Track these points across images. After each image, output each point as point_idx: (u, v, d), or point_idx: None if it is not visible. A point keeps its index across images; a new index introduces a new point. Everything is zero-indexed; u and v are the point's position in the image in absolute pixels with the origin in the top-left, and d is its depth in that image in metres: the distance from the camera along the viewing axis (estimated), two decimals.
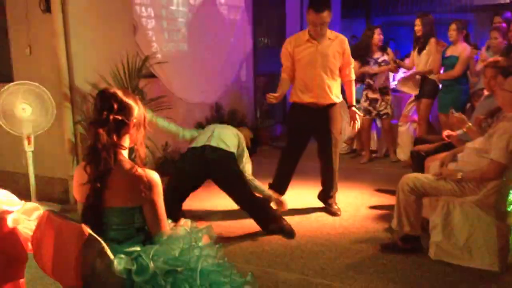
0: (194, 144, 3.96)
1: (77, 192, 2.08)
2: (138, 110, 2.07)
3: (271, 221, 3.91)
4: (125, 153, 2.07)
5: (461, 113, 3.91)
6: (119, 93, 2.02)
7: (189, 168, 3.86)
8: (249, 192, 3.87)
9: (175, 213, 3.83)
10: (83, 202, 2.04)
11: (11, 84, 4.25)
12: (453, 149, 3.79)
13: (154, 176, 2.02)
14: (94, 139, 1.97)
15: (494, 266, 3.17)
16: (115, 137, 1.99)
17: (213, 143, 3.83)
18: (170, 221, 2.19)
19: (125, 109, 2.02)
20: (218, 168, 3.80)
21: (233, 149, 3.91)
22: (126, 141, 2.08)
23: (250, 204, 3.89)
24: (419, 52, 5.79)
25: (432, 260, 3.35)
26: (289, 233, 3.88)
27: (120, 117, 2.00)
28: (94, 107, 2.03)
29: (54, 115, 4.33)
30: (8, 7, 4.84)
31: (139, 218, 2.04)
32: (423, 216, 3.59)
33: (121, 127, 2.02)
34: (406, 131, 6.29)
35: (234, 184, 3.83)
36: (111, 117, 1.97)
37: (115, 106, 1.99)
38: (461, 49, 5.39)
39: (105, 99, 2.00)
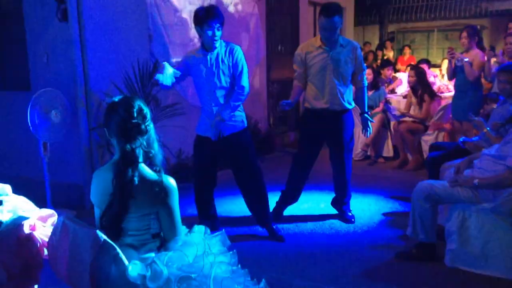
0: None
1: (96, 198, 2.10)
2: (151, 115, 2.11)
3: (269, 217, 4.03)
4: (142, 159, 2.09)
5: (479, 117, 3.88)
6: (142, 103, 2.07)
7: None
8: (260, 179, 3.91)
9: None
10: (101, 208, 2.06)
11: (43, 89, 4.33)
12: (468, 155, 3.75)
13: (171, 182, 2.04)
14: (132, 147, 1.99)
15: (510, 274, 3.13)
16: (145, 143, 2.04)
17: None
18: (185, 227, 2.20)
19: (147, 117, 2.06)
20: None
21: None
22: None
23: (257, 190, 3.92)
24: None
25: (448, 268, 3.32)
26: (280, 237, 3.96)
27: (148, 125, 2.05)
28: (120, 117, 2.01)
29: (68, 122, 4.40)
30: (26, 16, 4.92)
31: (155, 224, 2.05)
32: (439, 223, 3.56)
33: (147, 134, 2.05)
34: (433, 139, 6.22)
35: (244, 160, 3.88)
36: (145, 126, 2.02)
37: (145, 115, 2.04)
38: (474, 55, 5.34)
39: (137, 110, 2.02)
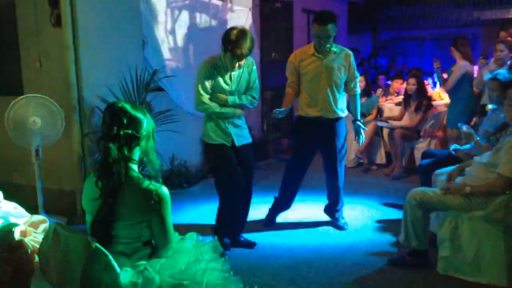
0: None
1: (87, 204, 2.09)
2: (147, 122, 2.09)
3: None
4: (135, 166, 2.08)
5: (469, 127, 3.90)
6: (128, 107, 2.03)
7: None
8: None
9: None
10: (92, 214, 2.05)
11: (22, 96, 4.29)
12: (460, 163, 3.77)
13: (164, 191, 2.03)
14: (105, 154, 1.98)
15: (502, 281, 3.14)
16: (126, 151, 2.01)
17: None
18: (177, 234, 2.19)
19: (135, 123, 2.03)
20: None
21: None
22: (136, 154, 2.09)
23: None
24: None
25: (440, 275, 3.32)
26: (250, 244, 3.98)
27: (130, 131, 2.01)
28: (103, 121, 2.04)
29: (62, 128, 4.34)
30: (19, 21, 4.90)
31: (147, 231, 2.05)
32: (431, 230, 3.57)
33: (131, 141, 2.03)
34: (425, 146, 6.25)
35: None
36: (121, 131, 1.99)
37: (125, 120, 2.00)
38: (456, 66, 5.50)
39: (114, 114, 2.01)
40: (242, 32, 3.44)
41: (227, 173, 3.72)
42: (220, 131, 3.72)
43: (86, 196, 2.09)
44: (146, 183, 2.00)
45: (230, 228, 3.92)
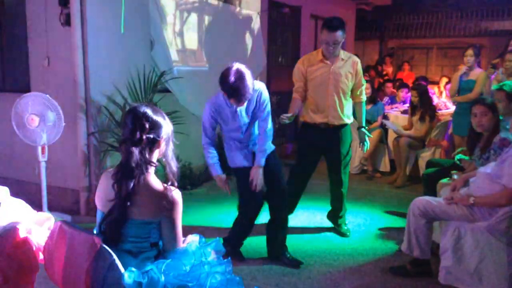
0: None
1: (100, 202, 2.11)
2: (166, 125, 2.12)
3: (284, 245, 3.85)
4: (152, 168, 2.10)
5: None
6: (149, 112, 2.07)
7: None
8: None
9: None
10: (103, 211, 2.06)
11: (24, 95, 4.31)
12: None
13: (177, 195, 2.06)
14: (127, 158, 2.00)
15: None
16: (147, 154, 2.04)
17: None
18: (183, 238, 2.20)
19: (156, 127, 2.07)
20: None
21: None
22: (156, 157, 2.12)
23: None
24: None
25: (442, 285, 3.31)
26: (295, 262, 3.76)
27: (152, 135, 2.05)
28: (125, 126, 2.07)
29: (61, 128, 4.33)
30: (29, 19, 4.94)
31: (155, 233, 2.06)
32: (433, 240, 3.57)
33: (153, 144, 2.07)
34: (430, 155, 6.25)
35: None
36: (144, 136, 2.02)
37: (147, 125, 2.03)
38: (477, 73, 5.57)
39: (136, 119, 2.03)
40: (239, 78, 3.15)
41: (250, 197, 3.62)
42: (239, 154, 3.62)
43: (101, 195, 2.11)
44: (161, 185, 2.03)
45: (240, 240, 3.82)
